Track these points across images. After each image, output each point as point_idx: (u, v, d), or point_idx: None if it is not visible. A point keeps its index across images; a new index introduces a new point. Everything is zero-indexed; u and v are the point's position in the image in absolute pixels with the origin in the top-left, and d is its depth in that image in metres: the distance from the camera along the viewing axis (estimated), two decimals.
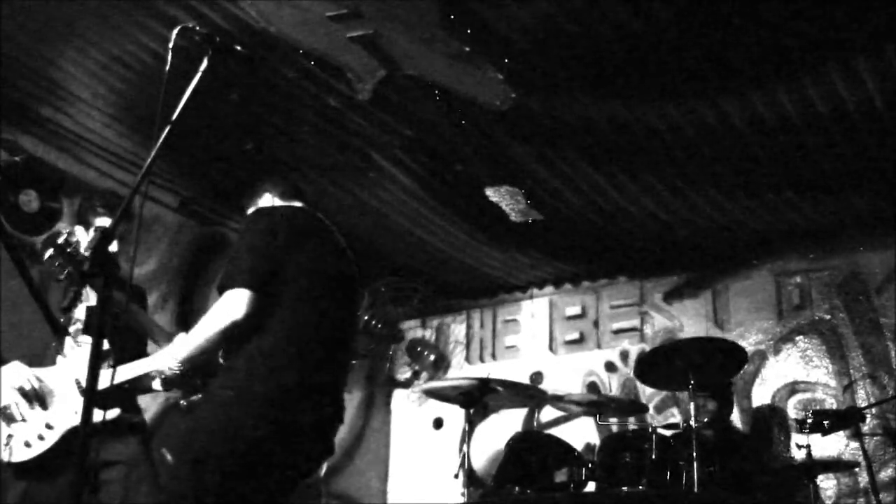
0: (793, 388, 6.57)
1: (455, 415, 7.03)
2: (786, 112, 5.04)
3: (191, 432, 3.32)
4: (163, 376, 3.56)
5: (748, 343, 6.70)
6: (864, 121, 5.11)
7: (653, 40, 4.48)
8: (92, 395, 2.25)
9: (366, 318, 7.59)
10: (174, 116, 2.69)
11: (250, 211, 3.66)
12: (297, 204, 3.72)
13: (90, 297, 4.00)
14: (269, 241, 3.37)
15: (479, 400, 5.63)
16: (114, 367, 3.48)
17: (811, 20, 4.30)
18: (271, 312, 3.28)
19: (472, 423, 5.72)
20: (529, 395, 6.40)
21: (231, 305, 3.22)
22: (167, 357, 3.50)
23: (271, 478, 3.26)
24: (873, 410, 5.81)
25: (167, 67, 2.84)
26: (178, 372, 3.43)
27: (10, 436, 3.83)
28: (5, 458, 3.80)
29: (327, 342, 3.44)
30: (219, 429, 3.19)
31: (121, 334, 3.98)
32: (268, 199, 3.72)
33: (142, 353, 4.01)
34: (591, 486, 5.00)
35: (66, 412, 3.88)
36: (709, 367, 5.09)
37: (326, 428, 3.42)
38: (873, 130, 5.20)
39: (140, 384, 3.84)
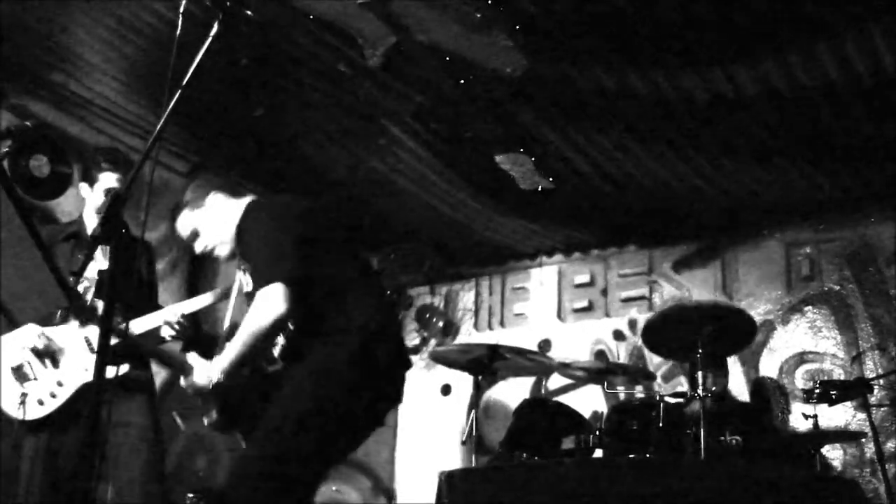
0: (801, 359, 6.58)
1: (463, 381, 7.06)
2: (799, 82, 5.00)
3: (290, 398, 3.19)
4: (201, 390, 3.26)
5: (757, 313, 6.69)
6: (878, 91, 5.07)
7: (666, 8, 4.45)
8: (104, 357, 2.27)
9: None
10: (184, 82, 2.69)
11: (242, 204, 3.44)
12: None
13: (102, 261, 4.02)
14: (291, 228, 3.28)
15: (487, 367, 5.65)
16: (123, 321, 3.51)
17: None
18: (323, 295, 3.23)
19: (479, 389, 5.74)
20: (537, 362, 6.40)
21: (270, 303, 3.10)
22: (214, 371, 3.23)
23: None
24: (881, 381, 5.82)
25: (178, 32, 2.84)
26: (220, 383, 3.22)
27: (24, 394, 3.94)
28: (20, 416, 3.91)
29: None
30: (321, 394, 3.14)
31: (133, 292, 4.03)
32: (220, 199, 3.50)
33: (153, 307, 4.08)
34: (598, 454, 5.02)
35: (77, 369, 3.99)
36: (719, 339, 5.03)
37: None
38: (886, 101, 5.17)
39: (153, 335, 3.87)
